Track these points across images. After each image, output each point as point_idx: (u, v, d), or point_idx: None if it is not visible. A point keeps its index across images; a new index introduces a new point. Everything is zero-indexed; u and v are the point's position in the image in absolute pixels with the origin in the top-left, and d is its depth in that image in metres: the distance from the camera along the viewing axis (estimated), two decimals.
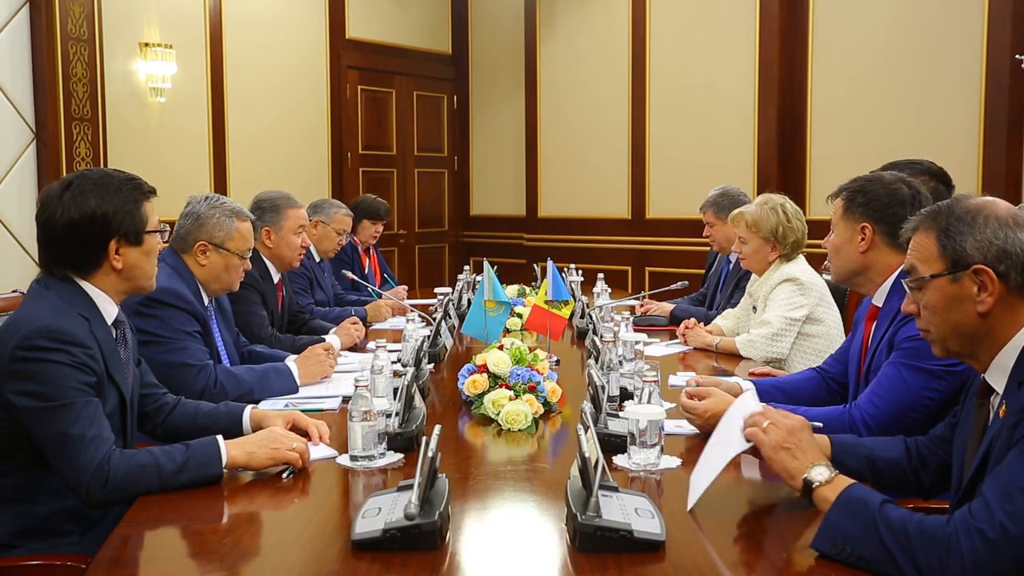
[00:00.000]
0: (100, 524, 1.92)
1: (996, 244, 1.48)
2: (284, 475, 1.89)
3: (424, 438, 1.58)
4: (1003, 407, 1.48)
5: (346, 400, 2.43)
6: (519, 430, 2.24)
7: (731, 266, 4.08)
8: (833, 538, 1.43)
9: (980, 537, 1.31)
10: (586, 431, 1.61)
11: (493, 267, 3.21)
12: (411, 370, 2.22)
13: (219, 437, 1.88)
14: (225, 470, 1.86)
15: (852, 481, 1.51)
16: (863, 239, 2.22)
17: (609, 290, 4.15)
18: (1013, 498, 1.32)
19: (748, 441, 1.67)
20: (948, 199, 1.61)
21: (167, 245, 2.71)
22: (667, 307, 4.14)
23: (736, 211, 3.58)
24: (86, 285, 1.93)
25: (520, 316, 3.70)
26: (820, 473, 1.53)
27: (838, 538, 1.43)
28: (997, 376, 1.53)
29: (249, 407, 2.21)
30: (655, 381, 2.10)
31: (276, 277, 3.55)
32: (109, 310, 1.96)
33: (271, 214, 3.45)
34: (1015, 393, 1.45)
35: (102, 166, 5.19)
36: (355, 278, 4.40)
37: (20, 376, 1.78)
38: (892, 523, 1.39)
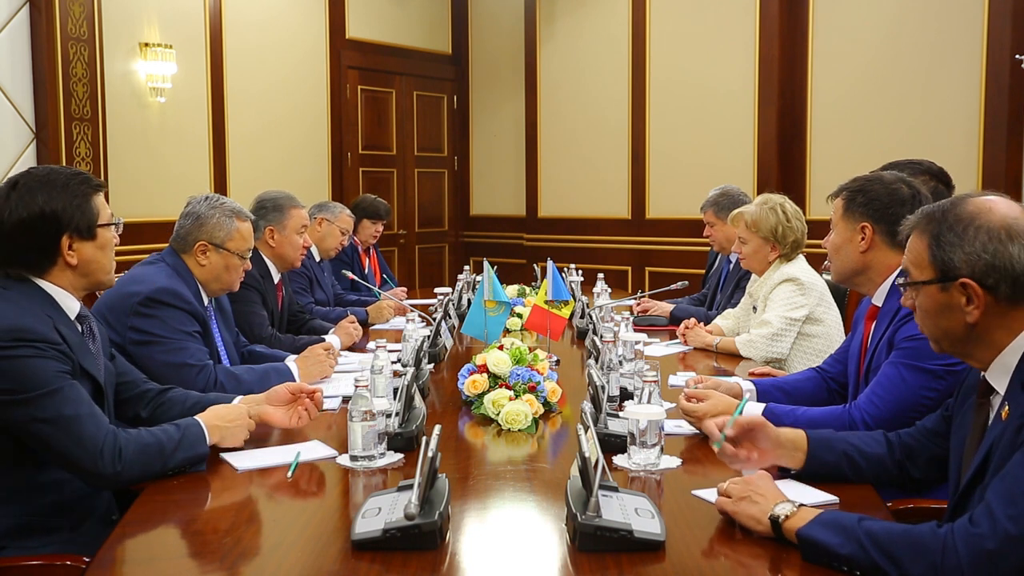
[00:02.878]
0: (90, 518, 1.93)
1: (984, 258, 1.47)
2: (289, 473, 1.90)
3: (424, 438, 1.58)
4: (1005, 408, 1.47)
5: (346, 400, 2.43)
6: (519, 430, 2.25)
7: (731, 266, 4.08)
8: (817, 555, 1.43)
9: (981, 541, 1.30)
10: (586, 431, 1.61)
11: (493, 267, 3.21)
12: (411, 370, 2.22)
13: (199, 418, 1.98)
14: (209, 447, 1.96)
15: (821, 510, 1.50)
16: (863, 238, 2.22)
17: (609, 290, 4.15)
18: (1016, 501, 1.31)
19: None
20: (948, 199, 1.59)
21: (167, 246, 2.71)
22: (667, 307, 4.14)
23: (735, 211, 3.58)
24: (44, 284, 1.92)
25: (520, 316, 3.70)
26: (784, 508, 1.51)
27: (822, 555, 1.42)
28: (999, 375, 1.52)
29: (238, 398, 2.23)
30: (655, 381, 2.10)
31: (276, 277, 3.55)
32: (71, 306, 1.96)
33: (275, 213, 3.45)
34: (1019, 395, 1.44)
35: (102, 166, 5.19)
36: (355, 278, 4.40)
37: None
38: (875, 535, 1.38)
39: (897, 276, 2.02)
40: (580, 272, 4.52)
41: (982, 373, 1.56)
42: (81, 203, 1.93)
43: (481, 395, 2.37)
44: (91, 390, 1.92)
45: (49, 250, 1.91)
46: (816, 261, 3.44)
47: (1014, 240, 1.46)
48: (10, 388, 1.77)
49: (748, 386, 2.47)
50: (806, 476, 1.79)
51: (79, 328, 1.97)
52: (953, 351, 1.59)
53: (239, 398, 2.23)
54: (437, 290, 4.19)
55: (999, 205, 1.51)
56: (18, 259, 1.91)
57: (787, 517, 1.49)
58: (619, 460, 1.96)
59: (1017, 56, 5.03)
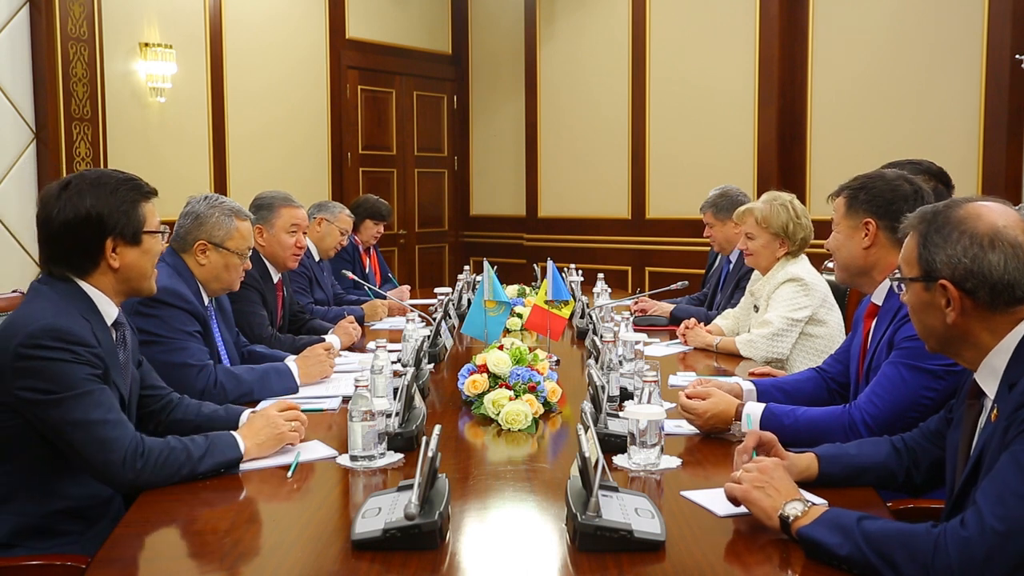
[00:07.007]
0: (100, 523, 1.93)
1: (964, 263, 1.49)
2: (289, 473, 1.90)
3: (424, 438, 1.58)
4: (995, 410, 1.48)
5: (346, 400, 2.43)
6: (519, 430, 2.25)
7: (731, 266, 4.08)
8: (818, 553, 1.45)
9: (970, 542, 1.31)
10: (586, 431, 1.61)
11: (493, 267, 3.21)
12: (411, 370, 2.22)
13: (235, 433, 1.98)
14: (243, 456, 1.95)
15: (828, 508, 1.51)
16: (866, 235, 2.22)
17: (609, 290, 4.15)
18: (1005, 502, 1.32)
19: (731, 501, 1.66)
20: (944, 201, 1.60)
21: (167, 245, 2.71)
22: (667, 307, 4.14)
23: (743, 208, 3.53)
24: (85, 286, 1.94)
25: (520, 316, 3.70)
26: (794, 508, 1.52)
27: (822, 554, 1.44)
28: (987, 377, 1.53)
29: (248, 411, 2.23)
30: (655, 381, 2.10)
31: (276, 277, 3.55)
32: (109, 311, 1.97)
33: (264, 212, 3.46)
34: (1006, 397, 1.45)
35: (102, 166, 5.19)
36: (355, 278, 4.40)
37: (28, 373, 1.79)
38: (871, 536, 1.39)
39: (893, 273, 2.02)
40: (580, 272, 4.52)
41: (973, 375, 1.57)
42: (128, 208, 1.95)
43: (481, 395, 2.37)
44: (116, 400, 1.93)
45: (93, 252, 1.93)
46: (817, 261, 3.44)
47: (996, 248, 1.48)
48: (44, 388, 1.78)
49: (748, 386, 2.47)
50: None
51: (113, 335, 1.98)
52: (941, 350, 1.61)
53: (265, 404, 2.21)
54: (437, 290, 4.18)
55: (991, 212, 1.52)
56: (62, 259, 1.93)
57: (797, 518, 1.50)
58: (619, 460, 1.96)
59: (1017, 56, 5.03)
